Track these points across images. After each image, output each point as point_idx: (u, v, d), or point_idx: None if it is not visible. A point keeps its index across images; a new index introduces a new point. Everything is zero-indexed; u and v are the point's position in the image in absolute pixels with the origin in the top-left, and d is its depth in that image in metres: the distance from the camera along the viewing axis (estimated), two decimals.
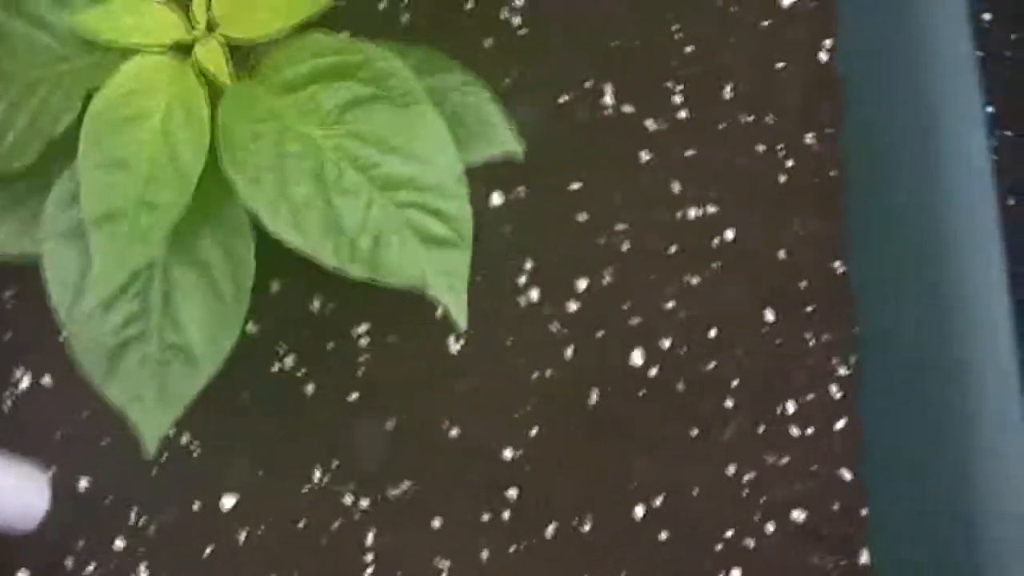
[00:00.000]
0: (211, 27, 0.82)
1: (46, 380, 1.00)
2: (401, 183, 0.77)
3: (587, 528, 0.95)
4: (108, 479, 0.98)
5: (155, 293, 0.82)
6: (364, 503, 0.95)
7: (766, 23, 1.06)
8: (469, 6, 0.90)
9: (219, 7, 0.81)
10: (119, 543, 0.96)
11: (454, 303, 0.77)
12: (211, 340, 0.81)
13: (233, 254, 0.81)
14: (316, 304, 0.99)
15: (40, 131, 0.80)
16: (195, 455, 0.97)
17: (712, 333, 0.98)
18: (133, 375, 0.81)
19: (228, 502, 0.96)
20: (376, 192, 0.77)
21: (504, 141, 0.87)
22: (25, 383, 1.00)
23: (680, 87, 1.04)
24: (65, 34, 0.83)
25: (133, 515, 0.97)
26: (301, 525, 0.96)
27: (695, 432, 0.96)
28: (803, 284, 0.99)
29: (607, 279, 0.99)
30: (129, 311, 0.82)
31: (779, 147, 1.03)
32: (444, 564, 0.95)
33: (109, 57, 0.82)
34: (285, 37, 0.79)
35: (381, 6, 0.87)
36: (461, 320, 0.77)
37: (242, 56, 0.82)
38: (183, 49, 0.81)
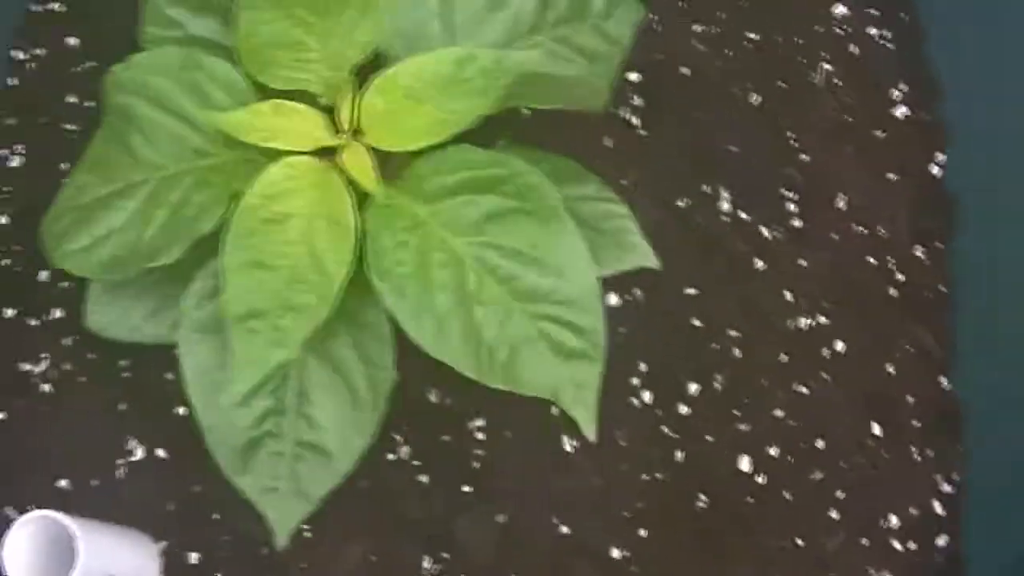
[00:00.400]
0: (356, 133, 0.84)
1: (160, 453, 1.02)
2: (539, 296, 0.79)
3: None
4: (218, 555, 0.99)
5: (291, 391, 0.84)
6: None
7: (880, 134, 1.08)
8: None
9: (365, 116, 0.84)
10: None
11: (584, 415, 0.79)
12: (345, 440, 0.84)
13: (372, 358, 0.83)
14: (434, 396, 1.01)
15: (183, 228, 0.83)
16: (308, 537, 0.98)
17: (819, 443, 0.99)
18: (266, 469, 0.84)
19: None
20: (515, 304, 0.79)
21: (642, 256, 0.89)
22: (139, 454, 1.02)
23: (795, 195, 1.06)
24: (208, 130, 0.86)
25: None
26: None
27: (800, 541, 0.97)
28: (910, 399, 1.01)
29: (718, 384, 1.01)
30: (265, 407, 0.84)
31: (890, 260, 1.05)
32: None
33: (252, 155, 0.84)
34: (431, 147, 0.82)
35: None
36: (590, 432, 0.79)
37: (385, 161, 0.84)
38: (328, 153, 0.84)
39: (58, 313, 1.07)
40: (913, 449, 0.99)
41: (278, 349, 0.78)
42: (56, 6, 1.19)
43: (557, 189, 0.80)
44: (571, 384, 0.79)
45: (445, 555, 0.98)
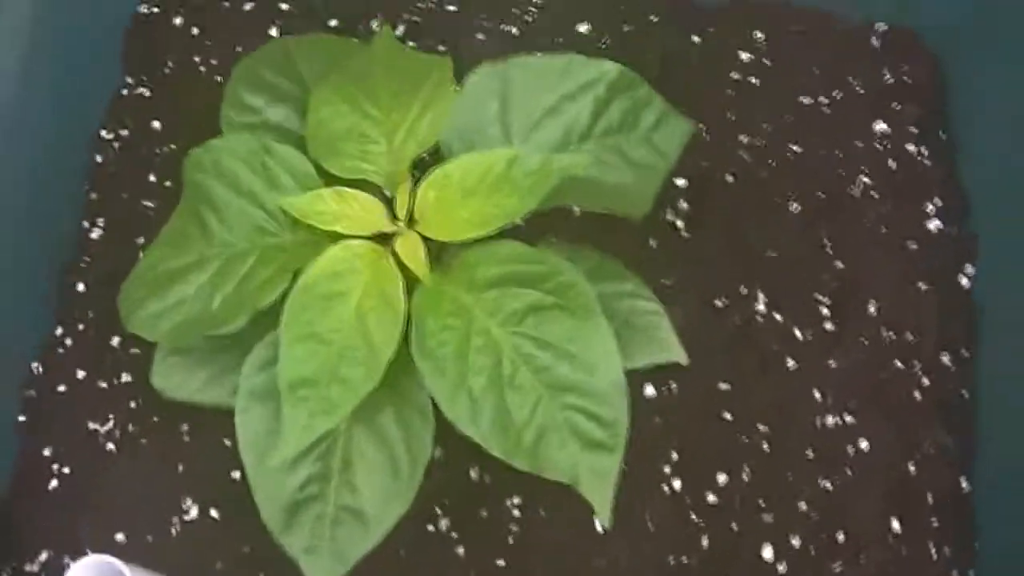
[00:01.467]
0: (411, 222, 0.89)
1: (213, 513, 1.07)
2: (568, 387, 0.82)
3: None
4: None
5: (336, 458, 0.88)
6: None
7: (912, 245, 1.11)
8: None
9: (419, 207, 0.88)
10: None
11: (600, 502, 0.82)
12: (383, 506, 0.87)
13: (412, 431, 0.87)
14: (474, 473, 1.05)
15: (247, 300, 0.88)
16: None
17: (840, 536, 1.02)
18: (309, 529, 0.87)
19: None
20: (545, 393, 0.83)
21: (672, 350, 0.93)
22: (193, 513, 1.07)
23: (828, 299, 1.10)
24: (275, 212, 0.91)
25: None
26: None
27: None
28: (930, 498, 1.03)
29: (745, 476, 1.04)
30: (311, 472, 0.88)
31: (916, 364, 1.07)
32: None
33: (314, 237, 0.89)
34: (480, 239, 0.86)
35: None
36: (605, 518, 0.81)
37: (435, 249, 0.88)
38: (384, 238, 0.88)
39: (126, 377, 1.12)
40: (931, 545, 1.01)
41: (325, 417, 0.82)
42: (144, 91, 1.25)
43: (596, 286, 0.83)
44: (591, 472, 0.82)
45: None
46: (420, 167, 0.91)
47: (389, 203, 0.90)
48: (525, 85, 0.94)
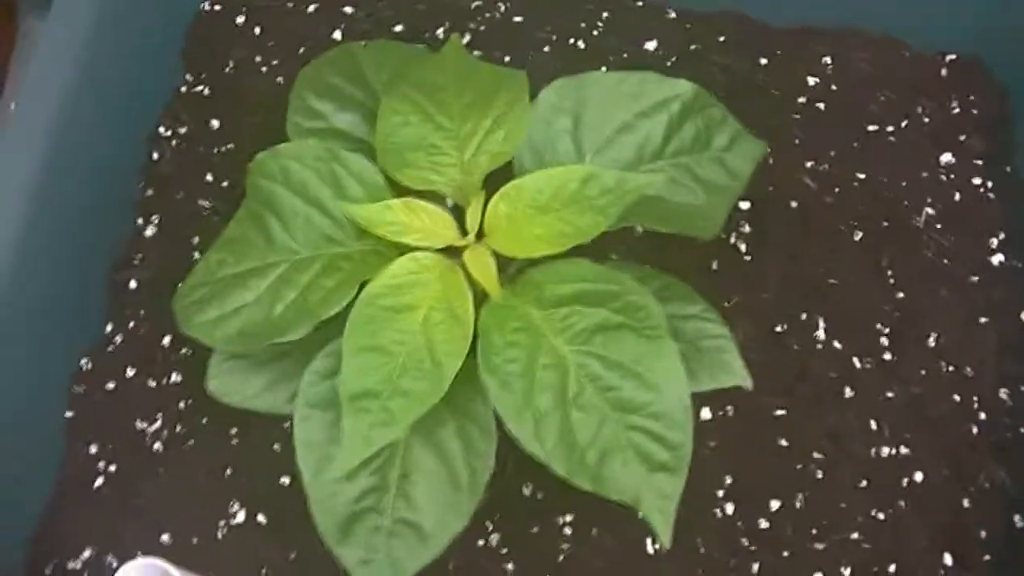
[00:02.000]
0: (481, 236, 0.88)
1: (260, 518, 1.06)
2: (634, 408, 0.82)
3: None
4: None
5: (394, 470, 0.88)
6: None
7: (974, 279, 1.11)
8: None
9: (490, 221, 0.88)
10: None
11: (661, 524, 0.81)
12: (442, 522, 0.86)
13: (473, 447, 0.87)
14: (527, 490, 1.04)
15: (309, 309, 0.87)
16: None
17: (891, 568, 1.01)
18: (364, 541, 0.87)
19: None
20: (610, 412, 0.82)
21: (737, 375, 0.93)
22: (240, 518, 1.06)
23: (888, 330, 1.09)
24: (341, 220, 0.90)
25: None
26: None
27: None
28: (983, 533, 1.02)
29: (798, 503, 1.03)
30: (369, 484, 0.87)
31: (974, 399, 1.07)
32: None
33: (381, 247, 0.89)
34: (549, 256, 0.86)
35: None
36: (666, 540, 0.81)
37: (504, 264, 0.88)
38: (452, 251, 0.88)
39: (176, 377, 1.12)
40: None
41: (386, 429, 0.81)
42: (204, 89, 1.25)
43: (663, 307, 0.83)
44: (654, 493, 0.81)
45: None
46: (491, 181, 0.90)
47: (458, 216, 0.90)
48: (599, 101, 0.94)
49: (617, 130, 0.93)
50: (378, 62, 1.02)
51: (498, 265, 0.87)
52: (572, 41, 1.23)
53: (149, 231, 1.18)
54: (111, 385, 1.13)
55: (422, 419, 0.82)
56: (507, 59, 1.22)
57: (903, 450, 1.05)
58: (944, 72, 1.20)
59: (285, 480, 1.07)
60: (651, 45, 1.22)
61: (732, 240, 1.12)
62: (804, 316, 1.09)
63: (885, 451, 1.05)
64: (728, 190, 0.95)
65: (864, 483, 1.04)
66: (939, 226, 1.13)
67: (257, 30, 1.28)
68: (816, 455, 1.05)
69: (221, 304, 0.91)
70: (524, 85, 0.91)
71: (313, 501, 0.87)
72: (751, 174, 0.98)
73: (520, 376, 0.83)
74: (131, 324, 1.15)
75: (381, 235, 0.88)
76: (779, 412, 1.06)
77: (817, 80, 1.20)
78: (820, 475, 1.04)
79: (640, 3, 1.26)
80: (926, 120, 1.18)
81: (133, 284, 1.16)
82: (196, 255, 1.14)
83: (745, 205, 1.14)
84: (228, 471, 1.08)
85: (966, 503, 1.04)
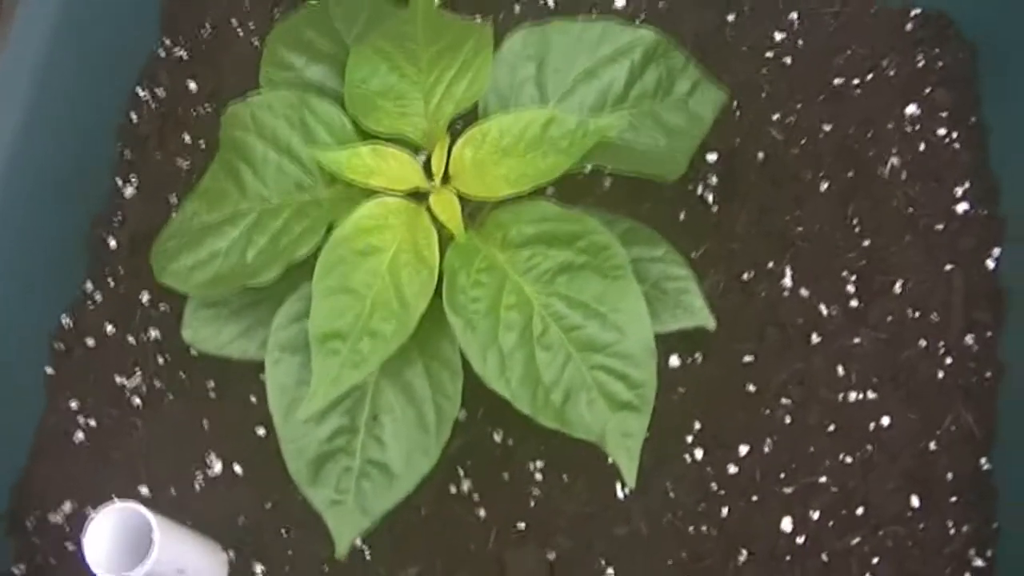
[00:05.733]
0: (446, 179, 0.90)
1: (237, 469, 1.08)
2: (597, 347, 0.84)
3: None
4: (282, 569, 1.05)
5: (363, 411, 0.89)
6: None
7: (940, 227, 1.12)
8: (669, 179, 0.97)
9: (455, 165, 0.89)
10: None
11: (626, 463, 0.83)
12: (409, 462, 0.88)
13: (441, 387, 0.88)
14: (498, 436, 1.06)
15: (281, 253, 0.89)
16: (367, 558, 1.03)
17: (859, 511, 1.02)
18: (335, 482, 0.89)
19: None
20: (574, 352, 0.84)
21: (699, 315, 0.94)
22: (217, 468, 1.08)
23: (854, 277, 1.10)
24: (311, 167, 0.92)
25: None
26: None
27: None
28: (949, 476, 1.03)
29: (767, 448, 1.05)
30: (338, 424, 0.89)
31: (940, 344, 1.08)
32: None
33: (350, 193, 0.90)
34: (512, 198, 0.87)
35: (586, 171, 0.94)
36: (630, 479, 0.83)
37: (469, 208, 0.90)
38: (419, 195, 0.89)
39: (154, 334, 1.13)
40: (949, 523, 1.02)
41: (355, 370, 0.83)
42: (181, 52, 1.26)
43: (628, 250, 0.85)
44: (618, 432, 0.83)
45: None
46: (456, 128, 0.91)
47: (425, 162, 0.91)
48: (562, 49, 0.95)
49: (580, 76, 0.95)
50: (350, 17, 1.03)
51: (464, 209, 0.88)
52: (543, 0, 1.25)
53: (128, 191, 1.20)
54: (91, 341, 1.14)
55: (391, 360, 0.84)
56: (477, 17, 1.23)
57: (870, 395, 1.06)
58: (909, 27, 1.21)
59: (261, 431, 1.08)
60: (620, 3, 1.24)
61: (700, 191, 1.14)
62: (771, 264, 1.11)
63: (852, 396, 1.06)
64: (690, 134, 0.97)
65: (832, 427, 1.05)
66: (904, 176, 1.14)
67: None
68: (784, 400, 1.06)
69: (195, 252, 0.93)
70: (489, 34, 0.93)
71: (284, 443, 0.89)
72: (717, 125, 1.00)
73: (485, 315, 0.84)
74: (110, 282, 1.16)
75: (349, 179, 0.89)
76: (747, 359, 1.08)
77: (784, 35, 1.21)
78: (788, 420, 1.06)
79: None
80: (891, 73, 1.18)
81: (112, 243, 1.17)
82: (174, 214, 1.15)
83: (712, 157, 1.15)
84: (205, 424, 1.10)
85: (933, 446, 1.05)
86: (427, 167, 0.91)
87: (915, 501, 1.03)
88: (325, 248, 0.86)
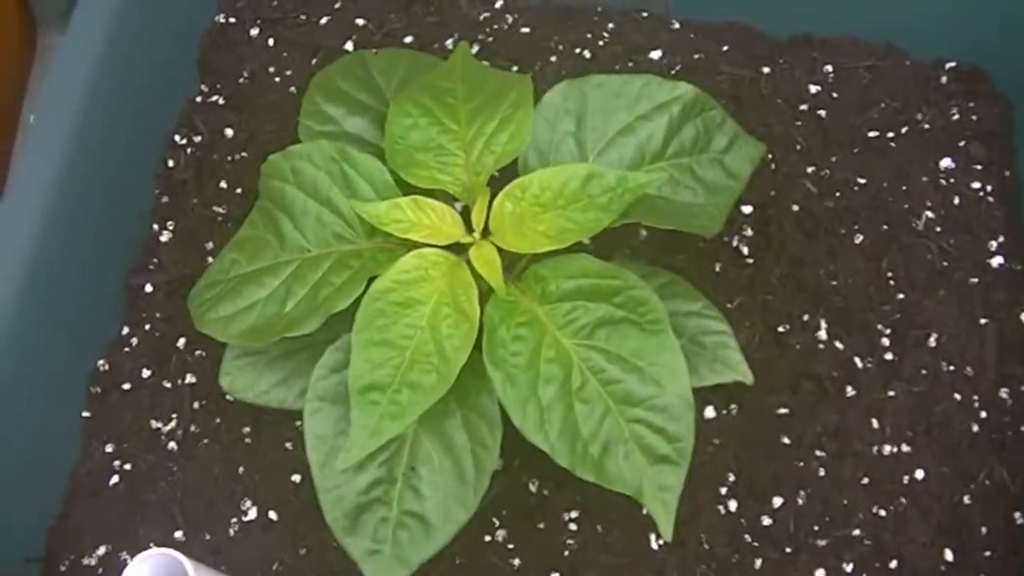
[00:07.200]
0: (486, 233, 0.90)
1: (272, 515, 1.08)
2: (636, 401, 0.84)
3: None
4: None
5: (402, 463, 0.90)
6: None
7: (973, 280, 1.12)
8: None
9: (495, 219, 0.90)
10: None
11: (663, 516, 0.83)
12: (447, 513, 0.88)
13: (479, 439, 0.89)
14: (533, 486, 1.06)
15: (320, 304, 0.89)
16: None
17: (892, 564, 1.02)
18: (372, 532, 0.89)
19: None
20: (612, 405, 0.84)
21: (738, 370, 0.94)
22: (252, 514, 1.08)
23: (888, 331, 1.10)
24: (351, 219, 0.93)
25: None
26: None
27: None
28: (983, 530, 1.03)
29: (801, 500, 1.04)
30: (376, 475, 0.89)
31: (974, 398, 1.08)
32: None
33: (390, 245, 0.92)
34: (552, 252, 0.88)
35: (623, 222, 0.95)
36: (667, 532, 0.83)
37: (509, 261, 0.90)
38: (458, 248, 0.90)
39: (190, 378, 1.14)
40: None
41: (394, 422, 0.83)
42: (218, 99, 1.28)
43: (665, 303, 0.85)
44: (655, 486, 0.83)
45: None
46: (495, 182, 0.92)
47: (465, 215, 0.92)
48: (601, 104, 0.96)
49: (619, 131, 0.96)
50: (389, 69, 1.04)
51: (503, 262, 0.89)
52: (578, 51, 1.25)
53: (164, 236, 1.21)
54: (127, 386, 1.14)
55: (429, 412, 0.84)
56: (515, 68, 1.24)
57: (904, 448, 1.06)
58: (944, 80, 1.22)
59: (296, 478, 1.08)
60: (656, 55, 1.24)
61: (735, 243, 1.14)
62: (806, 317, 1.11)
63: (887, 449, 1.06)
64: (728, 190, 0.97)
65: (866, 480, 1.05)
66: (939, 229, 1.14)
67: (271, 41, 1.30)
68: (818, 453, 1.06)
69: (234, 301, 0.94)
70: (529, 88, 0.94)
71: (321, 492, 0.89)
72: (752, 177, 1.00)
73: (524, 369, 0.85)
74: (147, 327, 1.17)
75: (390, 232, 0.90)
76: (782, 411, 1.08)
77: (819, 88, 1.22)
78: (822, 472, 1.05)
79: (645, 14, 1.28)
80: (926, 127, 1.19)
81: (149, 288, 1.18)
82: (210, 259, 1.16)
83: (748, 209, 1.15)
84: (241, 469, 1.10)
85: (967, 500, 1.05)
86: (466, 220, 0.91)
87: (949, 555, 1.03)
88: (365, 300, 0.86)
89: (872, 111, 1.20)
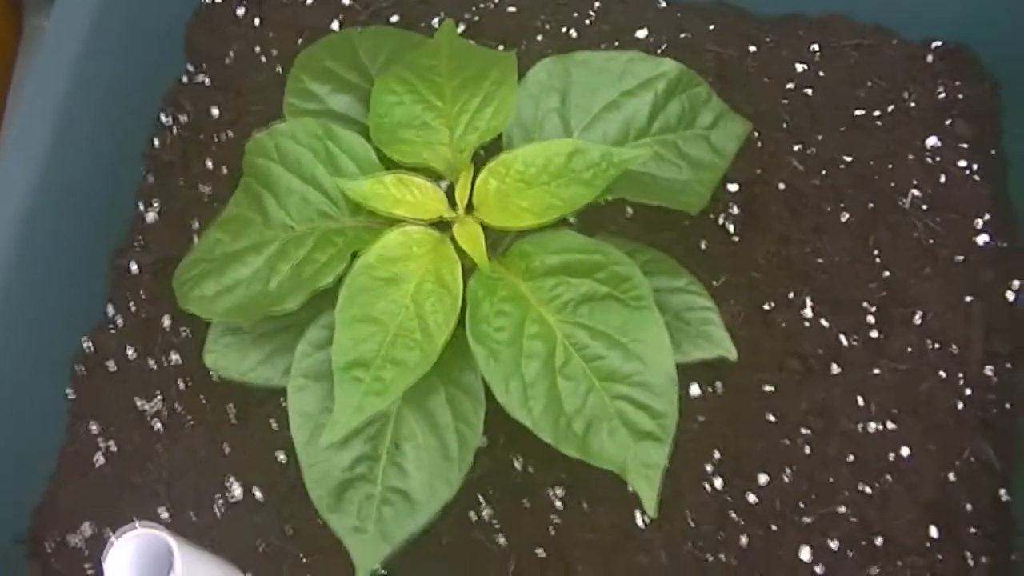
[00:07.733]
0: (470, 209, 0.90)
1: (257, 494, 1.08)
2: (619, 377, 0.84)
3: None
4: None
5: (386, 439, 0.89)
6: None
7: (959, 258, 1.12)
8: None
9: (479, 195, 0.90)
10: None
11: (647, 492, 0.83)
12: (431, 490, 0.88)
13: (463, 415, 0.88)
14: (518, 464, 1.06)
15: (304, 281, 0.89)
16: None
17: (878, 541, 1.02)
18: (356, 509, 0.89)
19: None
20: (596, 382, 0.84)
21: (721, 346, 0.94)
22: (237, 493, 1.08)
23: (874, 309, 1.11)
24: (335, 196, 0.92)
25: None
26: None
27: None
28: (968, 507, 1.04)
29: (786, 478, 1.05)
30: (360, 452, 0.89)
31: (959, 376, 1.08)
32: None
33: (373, 222, 0.91)
34: (535, 228, 0.87)
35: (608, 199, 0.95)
36: (651, 508, 0.82)
37: (493, 237, 0.90)
38: (442, 225, 0.90)
39: (175, 358, 1.14)
40: (967, 555, 1.02)
41: (377, 398, 0.83)
42: (205, 79, 1.27)
43: (649, 280, 0.85)
44: (639, 462, 0.83)
45: None
46: (479, 159, 0.92)
47: (449, 191, 0.91)
48: (586, 80, 0.96)
49: (604, 108, 0.95)
50: (374, 47, 1.04)
51: (487, 238, 0.89)
52: (565, 30, 1.25)
53: (150, 216, 1.20)
54: (112, 365, 1.14)
55: (413, 389, 0.84)
56: (500, 47, 1.24)
57: (890, 425, 1.06)
58: (930, 59, 1.22)
59: (282, 457, 1.08)
60: (642, 33, 1.24)
61: (721, 221, 1.14)
62: (792, 295, 1.11)
63: (872, 426, 1.06)
64: (713, 166, 0.97)
65: (851, 458, 1.05)
66: (925, 207, 1.14)
67: (257, 21, 1.30)
68: (804, 430, 1.06)
69: (218, 279, 0.93)
70: (513, 64, 0.93)
71: (306, 470, 0.89)
72: (738, 155, 1.00)
73: (508, 345, 0.84)
74: (132, 306, 1.17)
75: (373, 209, 0.90)
76: (767, 388, 1.08)
77: (805, 67, 1.22)
78: (808, 450, 1.06)
79: None
80: (912, 105, 1.19)
81: (134, 268, 1.18)
82: (195, 239, 1.16)
83: (734, 187, 1.15)
84: (226, 448, 1.10)
85: (952, 477, 1.05)
86: (450, 196, 0.91)
87: (934, 532, 1.03)
88: (349, 277, 0.86)
89: (859, 89, 1.20)
